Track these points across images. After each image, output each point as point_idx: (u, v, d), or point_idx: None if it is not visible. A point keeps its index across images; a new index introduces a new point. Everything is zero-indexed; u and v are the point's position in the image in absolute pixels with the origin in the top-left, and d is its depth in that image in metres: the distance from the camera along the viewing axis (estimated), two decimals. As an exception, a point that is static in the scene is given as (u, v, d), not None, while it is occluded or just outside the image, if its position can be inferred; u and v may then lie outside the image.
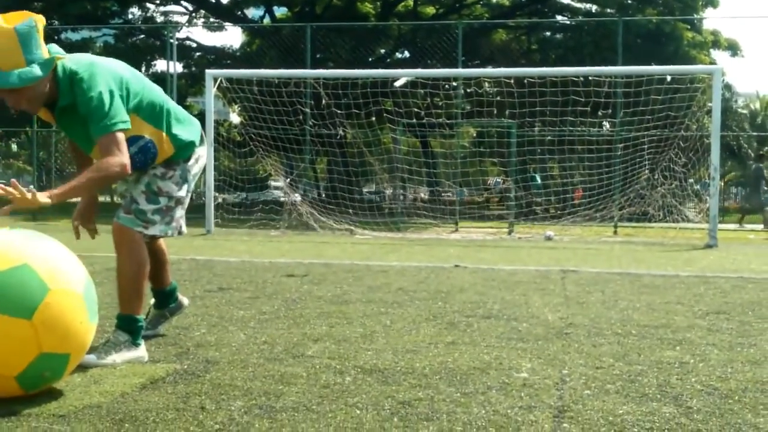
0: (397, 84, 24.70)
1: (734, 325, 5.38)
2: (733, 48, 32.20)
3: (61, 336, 3.22)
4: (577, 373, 3.89)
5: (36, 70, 3.59)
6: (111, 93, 3.79)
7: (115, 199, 28.32)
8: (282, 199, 21.74)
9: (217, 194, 19.85)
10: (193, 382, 3.61)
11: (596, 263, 10.33)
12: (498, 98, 20.64)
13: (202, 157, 4.42)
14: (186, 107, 5.81)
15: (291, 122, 20.76)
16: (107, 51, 29.08)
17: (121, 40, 32.30)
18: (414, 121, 22.05)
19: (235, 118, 39.17)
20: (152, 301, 4.75)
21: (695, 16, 29.74)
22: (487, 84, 23.84)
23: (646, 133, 19.00)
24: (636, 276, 8.60)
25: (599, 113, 20.84)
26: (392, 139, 24.44)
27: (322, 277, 8.09)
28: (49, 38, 3.81)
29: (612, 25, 25.07)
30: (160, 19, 35.90)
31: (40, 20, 3.63)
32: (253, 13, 37.86)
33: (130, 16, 36.10)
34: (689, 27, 29.03)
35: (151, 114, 4.07)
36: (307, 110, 21.72)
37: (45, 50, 3.66)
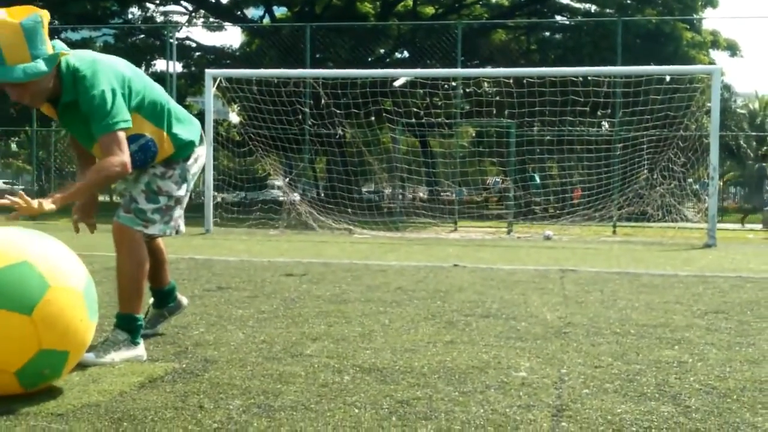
0: (397, 84, 24.70)
1: (733, 324, 5.38)
2: (732, 48, 32.22)
3: (60, 333, 3.23)
4: (575, 372, 3.89)
5: (41, 65, 3.60)
6: (113, 92, 3.80)
7: (114, 198, 28.34)
8: (281, 198, 21.74)
9: (216, 193, 19.85)
10: (192, 381, 3.61)
11: (595, 263, 10.33)
12: (497, 98, 20.63)
13: (202, 157, 4.42)
14: (185, 107, 5.83)
15: (290, 122, 20.77)
16: (107, 51, 28.98)
17: (120, 40, 32.29)
18: (413, 120, 22.03)
19: (234, 118, 39.17)
20: (151, 300, 4.75)
21: (694, 16, 29.75)
22: (486, 84, 23.85)
23: (645, 133, 19.01)
24: (635, 275, 8.60)
25: (598, 113, 20.85)
26: (391, 139, 24.43)
27: (320, 276, 8.09)
28: (49, 37, 3.81)
29: (611, 25, 25.09)
30: (159, 18, 35.91)
31: (45, 15, 3.64)
32: (252, 13, 37.86)
33: (129, 16, 36.11)
34: (688, 27, 29.04)
35: (152, 113, 4.07)
36: (307, 110, 21.73)
37: (50, 46, 3.67)
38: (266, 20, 36.57)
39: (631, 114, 19.72)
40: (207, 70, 17.77)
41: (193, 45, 35.21)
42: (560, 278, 8.23)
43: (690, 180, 19.87)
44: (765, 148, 30.44)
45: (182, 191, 4.25)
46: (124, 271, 4.06)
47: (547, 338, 4.77)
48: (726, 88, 35.80)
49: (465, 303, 6.25)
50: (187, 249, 11.24)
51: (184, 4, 36.35)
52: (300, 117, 21.62)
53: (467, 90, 23.70)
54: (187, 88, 33.26)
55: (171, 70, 25.43)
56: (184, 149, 4.23)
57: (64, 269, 3.32)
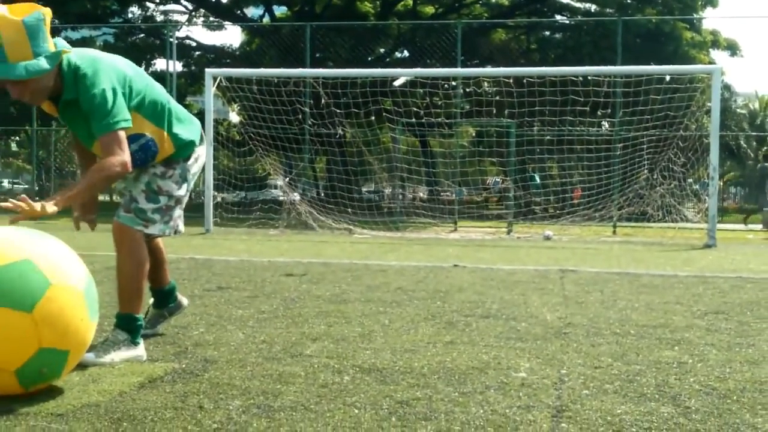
0: (397, 83, 24.71)
1: (733, 325, 5.38)
2: (732, 48, 32.22)
3: (61, 332, 3.23)
4: (575, 372, 3.89)
5: (43, 62, 3.60)
6: (114, 91, 3.80)
7: (114, 197, 28.33)
8: (281, 198, 21.74)
9: (216, 193, 19.84)
10: (192, 381, 3.61)
11: (595, 263, 10.33)
12: (497, 98, 20.63)
13: (202, 157, 4.42)
14: (185, 106, 5.83)
15: (290, 121, 20.77)
16: (107, 50, 28.88)
17: (120, 39, 32.32)
18: (413, 120, 22.04)
19: (234, 117, 39.18)
20: (151, 300, 4.74)
21: (694, 15, 29.75)
22: (486, 83, 23.86)
23: (645, 132, 19.01)
24: (635, 276, 8.60)
25: (598, 113, 20.86)
26: (391, 139, 24.43)
27: (320, 276, 8.09)
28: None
29: (611, 24, 25.10)
30: (159, 18, 35.90)
31: (47, 13, 3.64)
32: (252, 12, 37.88)
33: (129, 15, 36.13)
34: (688, 27, 29.04)
35: (153, 112, 4.07)
36: (307, 109, 21.73)
37: (52, 43, 3.67)
38: (266, 19, 36.58)
39: (631, 114, 19.73)
40: (207, 70, 17.77)
41: (193, 44, 35.23)
42: (560, 278, 8.23)
43: (690, 180, 19.87)
44: (766, 148, 30.37)
45: (182, 191, 4.25)
46: (124, 270, 4.06)
47: (547, 339, 4.76)
48: (726, 87, 35.80)
49: (465, 303, 6.25)
50: (187, 249, 11.24)
51: (184, 3, 36.36)
52: (300, 116, 21.62)
53: (467, 90, 23.70)
54: (187, 87, 33.28)
55: (171, 69, 25.44)
56: (184, 149, 4.23)
57: (65, 268, 3.33)
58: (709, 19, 37.05)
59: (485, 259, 10.78)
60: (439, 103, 23.80)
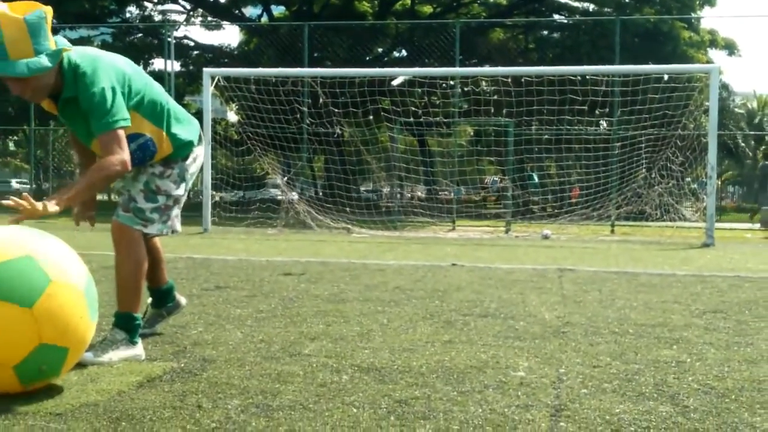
0: (395, 83, 24.73)
1: (731, 324, 5.38)
2: (730, 47, 32.26)
3: (61, 329, 3.23)
4: (574, 371, 3.89)
5: (44, 60, 3.60)
6: (113, 90, 3.80)
7: (112, 197, 28.32)
8: (279, 197, 21.74)
9: (214, 193, 19.85)
10: (190, 380, 3.61)
11: (593, 262, 10.34)
12: (495, 97, 20.68)
13: (200, 157, 4.42)
14: (183, 106, 5.84)
15: (288, 121, 20.77)
16: (105, 50, 29.03)
17: (118, 39, 32.32)
18: (411, 119, 22.05)
19: (232, 117, 39.19)
20: (149, 300, 4.74)
21: (693, 15, 29.76)
22: (484, 83, 23.88)
23: (643, 132, 19.01)
24: (633, 275, 8.61)
25: (596, 112, 20.88)
26: (389, 138, 24.41)
27: (319, 275, 8.09)
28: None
29: (609, 24, 25.12)
30: (157, 17, 35.94)
31: (48, 12, 3.64)
32: (250, 11, 37.91)
33: (127, 15, 36.13)
34: (686, 26, 29.05)
35: (152, 112, 4.07)
36: (305, 109, 21.73)
37: (53, 41, 3.67)
38: (264, 19, 36.58)
39: (630, 113, 19.73)
40: (205, 69, 17.77)
41: (191, 44, 35.23)
42: (558, 277, 8.24)
43: (688, 179, 19.90)
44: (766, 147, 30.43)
45: (181, 190, 4.26)
46: (123, 270, 4.06)
47: (545, 338, 4.77)
48: (724, 87, 35.82)
49: (463, 302, 6.25)
50: (185, 248, 11.24)
51: (182, 3, 36.41)
52: (298, 116, 21.63)
53: (465, 89, 23.72)
54: (185, 87, 33.29)
55: (169, 69, 25.46)
56: (182, 149, 4.23)
57: (65, 266, 3.34)
58: (707, 19, 37.03)
59: (483, 258, 10.78)
60: (437, 102, 23.81)
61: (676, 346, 4.54)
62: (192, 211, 16.74)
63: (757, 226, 21.91)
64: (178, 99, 28.29)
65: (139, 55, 30.64)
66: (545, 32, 33.78)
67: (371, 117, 24.38)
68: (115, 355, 3.95)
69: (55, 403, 3.17)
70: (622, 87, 19.18)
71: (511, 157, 20.97)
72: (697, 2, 30.25)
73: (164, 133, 4.12)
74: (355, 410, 3.15)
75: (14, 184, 49.46)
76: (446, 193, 25.56)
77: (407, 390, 3.47)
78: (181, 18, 37.45)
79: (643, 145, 18.43)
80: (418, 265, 9.49)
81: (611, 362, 4.10)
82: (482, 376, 3.76)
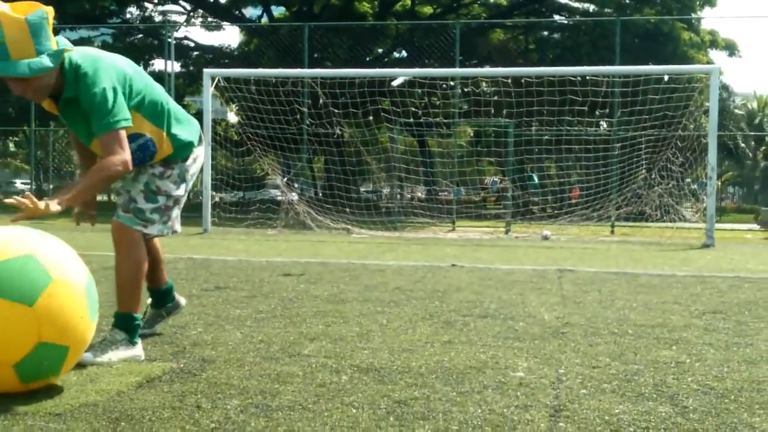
0: (395, 83, 24.74)
1: (731, 324, 5.38)
2: (730, 48, 32.26)
3: (61, 327, 3.24)
4: (573, 372, 3.89)
5: (46, 60, 3.61)
6: (114, 90, 3.81)
7: (112, 197, 28.33)
8: (279, 198, 21.74)
9: (214, 193, 19.86)
10: (190, 380, 3.61)
11: (593, 263, 10.34)
12: (495, 98, 20.67)
13: (200, 157, 4.42)
14: (184, 106, 5.83)
15: (288, 121, 20.78)
16: (105, 50, 29.04)
17: (119, 40, 32.32)
18: (411, 120, 22.05)
19: (232, 118, 39.20)
20: (149, 300, 4.74)
21: (693, 16, 29.75)
22: (484, 83, 23.88)
23: (643, 132, 19.02)
24: (633, 275, 8.61)
25: (596, 113, 20.88)
26: (389, 139, 24.42)
27: (318, 276, 8.09)
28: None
29: (610, 24, 25.12)
30: (158, 18, 35.94)
31: (50, 12, 3.65)
32: (251, 12, 37.91)
33: (128, 16, 36.12)
34: (687, 27, 29.05)
35: (153, 112, 4.08)
36: (305, 109, 21.73)
37: (54, 42, 3.68)
38: (264, 20, 36.59)
39: (630, 114, 19.74)
40: (205, 70, 17.78)
41: (192, 44, 35.24)
42: (558, 278, 8.24)
43: (688, 180, 19.90)
44: None
45: (181, 191, 4.26)
46: (123, 270, 4.06)
47: (544, 338, 4.77)
48: (724, 87, 35.83)
49: (463, 303, 6.25)
50: (184, 249, 11.24)
51: (183, 3, 36.42)
52: (298, 116, 21.63)
53: (465, 90, 23.73)
54: (185, 87, 33.29)
55: (169, 69, 25.47)
56: (183, 149, 4.23)
57: (66, 266, 3.36)
58: (708, 19, 37.07)
59: (483, 258, 10.78)
60: (438, 103, 23.81)
61: (676, 347, 4.54)
62: (192, 212, 16.74)
63: (749, 227, 21.90)
64: (178, 100, 28.31)
65: (140, 55, 30.66)
66: (545, 33, 33.78)
67: (371, 118, 24.38)
68: (114, 355, 3.95)
69: (54, 404, 3.17)
70: (623, 88, 19.19)
71: (511, 158, 20.97)
72: (698, 3, 30.26)
73: (164, 134, 4.12)
74: (354, 410, 3.15)
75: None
76: (446, 193, 25.57)
77: (406, 390, 3.47)
78: (182, 19, 37.49)
79: (643, 145, 18.44)
80: (418, 265, 9.49)
81: (611, 363, 4.10)
82: (481, 377, 3.76)
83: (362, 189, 32.62)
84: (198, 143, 4.35)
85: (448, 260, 10.19)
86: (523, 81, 18.57)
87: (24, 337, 3.14)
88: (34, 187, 28.29)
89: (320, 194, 24.20)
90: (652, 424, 3.03)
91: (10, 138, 48.89)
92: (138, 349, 4.07)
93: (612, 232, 18.89)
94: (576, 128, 21.81)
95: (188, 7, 37.01)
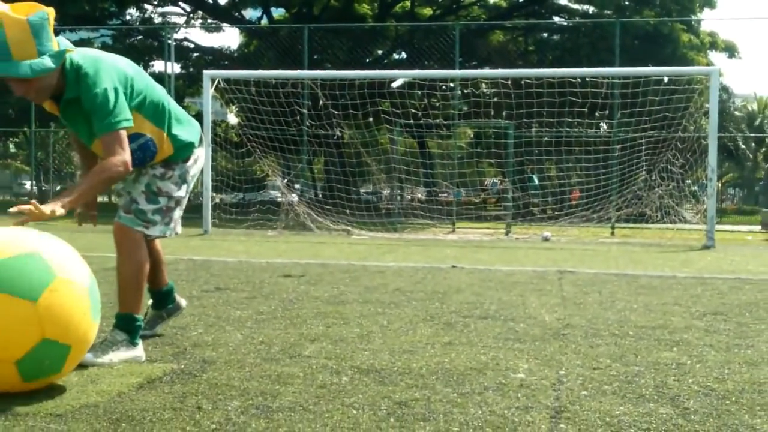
0: (395, 85, 24.70)
1: (731, 326, 5.38)
2: (730, 50, 32.24)
3: (64, 325, 3.25)
4: (574, 373, 3.89)
5: (47, 61, 3.61)
6: (115, 90, 3.81)
7: (113, 198, 28.35)
8: (279, 199, 21.75)
9: (214, 194, 19.86)
10: (190, 381, 3.61)
11: (593, 264, 10.33)
12: (495, 99, 20.67)
13: (201, 158, 4.42)
14: (184, 108, 5.81)
15: (288, 123, 20.78)
16: (105, 51, 29.05)
17: (119, 41, 32.31)
18: (411, 121, 22.05)
19: (232, 119, 39.22)
20: (150, 301, 4.74)
21: (692, 17, 29.75)
22: (484, 85, 23.88)
23: (643, 134, 19.03)
24: (633, 277, 8.61)
25: (596, 114, 20.89)
26: (389, 140, 24.44)
27: (319, 277, 8.09)
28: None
29: (609, 26, 25.10)
30: (158, 20, 35.91)
31: (51, 13, 3.65)
32: (250, 14, 37.87)
33: (128, 17, 36.11)
34: (686, 29, 29.04)
35: (153, 113, 4.08)
36: (305, 111, 21.74)
37: (55, 42, 3.68)
38: (264, 21, 36.57)
39: (630, 115, 19.75)
40: (205, 71, 17.78)
41: (191, 46, 35.23)
42: (558, 279, 8.24)
43: (688, 181, 19.91)
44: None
45: (182, 192, 4.26)
46: (124, 271, 4.06)
47: (545, 340, 4.76)
48: (724, 89, 35.80)
49: (463, 304, 6.25)
50: (185, 250, 11.24)
51: (182, 5, 36.38)
52: (298, 118, 21.63)
53: (465, 91, 23.74)
54: (185, 89, 33.26)
55: (169, 71, 25.47)
56: (183, 150, 4.23)
57: (70, 265, 3.38)
58: (708, 21, 37.12)
59: (483, 260, 10.78)
60: (437, 104, 23.81)
61: (677, 348, 4.54)
62: (192, 213, 16.73)
63: (749, 228, 21.91)
64: (179, 101, 28.29)
65: (139, 57, 30.63)
66: (545, 34, 33.75)
67: (371, 119, 24.39)
68: (115, 356, 3.95)
69: (55, 404, 3.17)
70: (622, 89, 19.19)
71: (511, 159, 20.97)
72: (697, 4, 30.24)
73: (165, 134, 4.13)
74: (354, 412, 3.15)
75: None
76: (446, 195, 25.58)
77: (407, 392, 3.47)
78: (181, 20, 37.45)
79: (643, 147, 18.45)
80: (418, 266, 9.49)
81: (611, 364, 4.10)
82: (482, 378, 3.76)
83: (362, 190, 32.60)
84: (199, 144, 4.36)
85: (448, 261, 10.19)
86: (522, 82, 18.58)
87: (27, 333, 3.15)
88: (35, 189, 28.30)
89: (320, 195, 24.19)
90: (653, 426, 3.03)
91: (11, 139, 48.88)
92: (139, 350, 4.07)
93: (612, 233, 18.89)
94: (576, 130, 21.81)
95: (188, 9, 37.00)
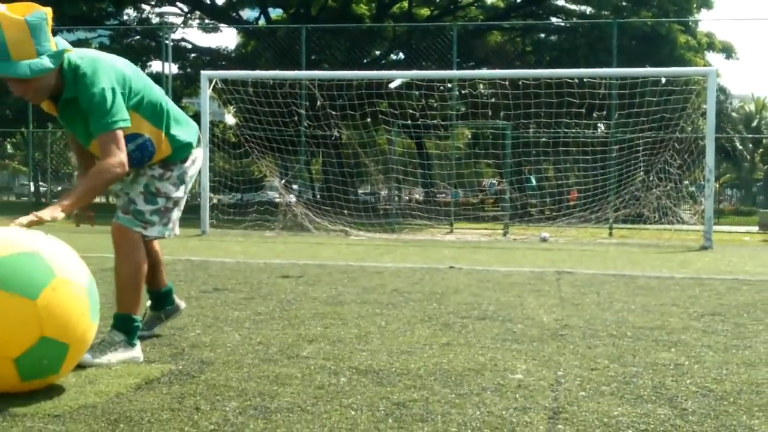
0: (392, 85, 24.70)
1: (729, 327, 5.38)
2: (727, 50, 32.27)
3: (63, 324, 3.25)
4: (572, 374, 3.89)
5: (46, 61, 3.61)
6: (113, 90, 3.81)
7: (110, 199, 28.35)
8: (277, 200, 21.74)
9: (212, 195, 19.84)
10: (188, 382, 3.61)
11: (591, 265, 10.34)
12: (493, 100, 20.66)
13: (199, 159, 4.42)
14: (181, 108, 5.81)
15: (286, 123, 20.77)
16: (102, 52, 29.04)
17: (116, 41, 32.31)
18: (409, 122, 22.06)
19: (230, 119, 39.21)
20: (148, 302, 4.74)
21: (690, 18, 29.77)
22: (481, 85, 23.86)
23: (640, 135, 19.04)
24: (631, 278, 8.61)
25: (594, 115, 20.88)
26: (387, 141, 24.45)
27: (316, 278, 8.09)
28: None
29: (606, 27, 25.14)
30: (155, 20, 35.89)
31: (49, 13, 3.66)
32: (248, 14, 37.89)
33: (125, 17, 36.11)
34: (684, 29, 29.07)
35: (152, 113, 4.08)
36: (302, 111, 21.72)
37: (53, 42, 3.68)
38: (262, 22, 36.58)
39: (627, 116, 19.76)
40: (202, 72, 17.77)
41: (189, 46, 35.22)
42: (556, 280, 8.24)
43: (686, 182, 19.92)
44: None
45: (180, 193, 4.26)
46: (122, 271, 4.06)
47: (543, 340, 4.77)
48: (722, 90, 35.86)
49: (461, 305, 6.25)
50: (183, 250, 11.23)
51: (180, 5, 36.38)
52: (296, 118, 21.63)
53: (463, 92, 23.73)
54: (182, 89, 33.27)
55: (166, 71, 25.46)
56: (181, 151, 4.23)
57: (70, 265, 3.39)
58: (705, 22, 37.12)
59: (481, 260, 10.78)
60: (435, 105, 23.84)
61: (675, 349, 4.54)
62: (190, 214, 16.69)
63: (746, 229, 21.93)
64: (176, 101, 28.12)
65: (137, 57, 30.61)
66: (542, 35, 33.79)
67: (369, 119, 24.38)
68: (113, 356, 3.94)
69: (53, 405, 3.17)
70: (620, 90, 19.21)
71: (508, 160, 20.98)
72: (694, 5, 30.27)
73: (163, 134, 4.13)
74: (353, 412, 3.15)
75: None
76: (444, 195, 25.58)
77: (405, 392, 3.47)
78: (179, 20, 37.45)
79: (641, 148, 18.47)
80: (416, 267, 9.49)
81: (609, 365, 4.10)
82: (480, 379, 3.76)
83: (360, 191, 32.64)
84: (197, 145, 4.36)
85: (446, 262, 10.19)
86: (520, 83, 18.59)
87: (26, 330, 3.16)
88: (32, 189, 28.28)
89: (318, 196, 24.21)
90: (650, 427, 3.03)
91: (8, 140, 48.85)
92: (137, 351, 4.07)
93: (610, 234, 18.90)
94: (573, 130, 21.82)
95: (185, 9, 37.01)
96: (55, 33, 3.75)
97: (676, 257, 12.09)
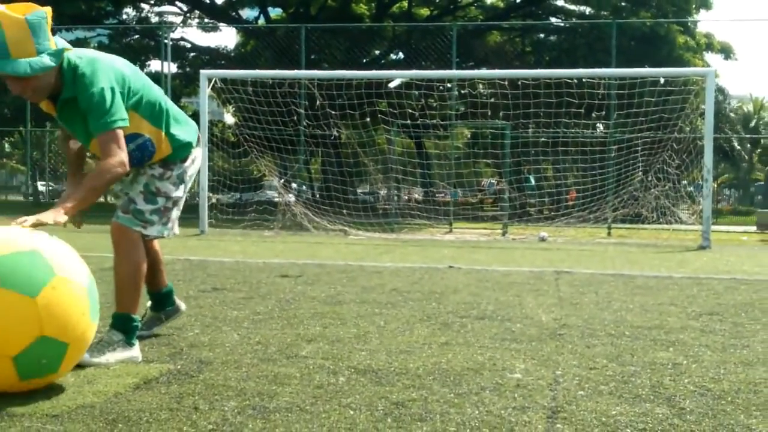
0: (392, 85, 24.70)
1: (727, 326, 5.39)
2: (726, 51, 32.28)
3: (62, 323, 3.26)
4: (570, 374, 3.89)
5: (46, 60, 3.62)
6: (112, 90, 3.81)
7: (109, 199, 28.32)
8: (276, 199, 21.73)
9: (211, 195, 19.81)
10: (187, 382, 3.61)
11: (590, 264, 10.34)
12: (492, 100, 20.66)
13: (198, 158, 4.43)
14: (180, 108, 5.81)
15: (285, 123, 20.76)
16: (102, 51, 29.01)
17: (115, 41, 32.28)
18: (408, 122, 22.04)
19: (229, 119, 39.17)
20: (149, 303, 4.74)
21: (689, 18, 29.78)
22: (481, 85, 23.85)
23: (639, 135, 19.04)
24: (629, 277, 8.61)
25: (593, 115, 20.88)
26: (386, 140, 24.45)
27: (315, 277, 8.09)
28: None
29: (606, 27, 25.15)
30: (154, 19, 35.86)
31: (48, 12, 3.66)
32: (247, 13, 37.87)
33: (124, 17, 36.09)
34: (682, 30, 29.08)
35: (151, 112, 4.09)
36: (302, 111, 21.72)
37: (53, 41, 3.69)
38: (261, 21, 36.56)
39: (626, 116, 19.76)
40: (202, 71, 17.75)
41: (188, 45, 35.19)
42: (555, 280, 8.24)
43: (684, 182, 19.91)
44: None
45: (180, 192, 4.26)
46: (122, 271, 4.07)
47: (542, 340, 4.77)
48: (720, 90, 35.85)
49: (460, 304, 6.25)
50: (182, 250, 11.23)
51: (179, 4, 36.37)
52: (295, 118, 21.62)
53: (462, 91, 23.72)
54: (181, 88, 33.25)
55: (166, 70, 25.46)
56: (181, 150, 4.24)
57: (70, 265, 3.40)
58: (703, 22, 37.13)
59: (480, 260, 10.79)
60: (434, 104, 23.82)
61: (673, 349, 4.54)
62: (189, 213, 16.66)
63: (744, 229, 21.93)
64: (175, 101, 28.09)
65: (136, 56, 30.60)
66: (542, 35, 33.80)
67: (368, 119, 24.36)
68: (112, 356, 3.95)
69: (51, 405, 3.17)
70: (619, 90, 19.20)
71: (507, 160, 20.98)
72: (693, 6, 30.27)
73: (163, 134, 4.13)
74: (351, 412, 3.15)
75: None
76: (443, 195, 25.58)
77: (404, 392, 3.48)
78: (178, 20, 37.42)
79: (640, 148, 18.47)
80: (415, 267, 9.49)
81: (608, 364, 4.11)
82: (479, 378, 3.76)
83: (359, 190, 32.61)
84: (196, 144, 4.36)
85: (445, 262, 10.19)
86: (519, 83, 18.58)
87: (25, 328, 3.16)
88: (30, 189, 28.29)
89: (317, 196, 24.19)
90: (649, 426, 3.04)
91: (6, 139, 48.84)
92: (135, 351, 4.07)
93: (609, 233, 18.90)
94: (572, 130, 21.81)
95: (185, 8, 36.98)
96: (54, 32, 3.75)
97: (675, 257, 12.10)
